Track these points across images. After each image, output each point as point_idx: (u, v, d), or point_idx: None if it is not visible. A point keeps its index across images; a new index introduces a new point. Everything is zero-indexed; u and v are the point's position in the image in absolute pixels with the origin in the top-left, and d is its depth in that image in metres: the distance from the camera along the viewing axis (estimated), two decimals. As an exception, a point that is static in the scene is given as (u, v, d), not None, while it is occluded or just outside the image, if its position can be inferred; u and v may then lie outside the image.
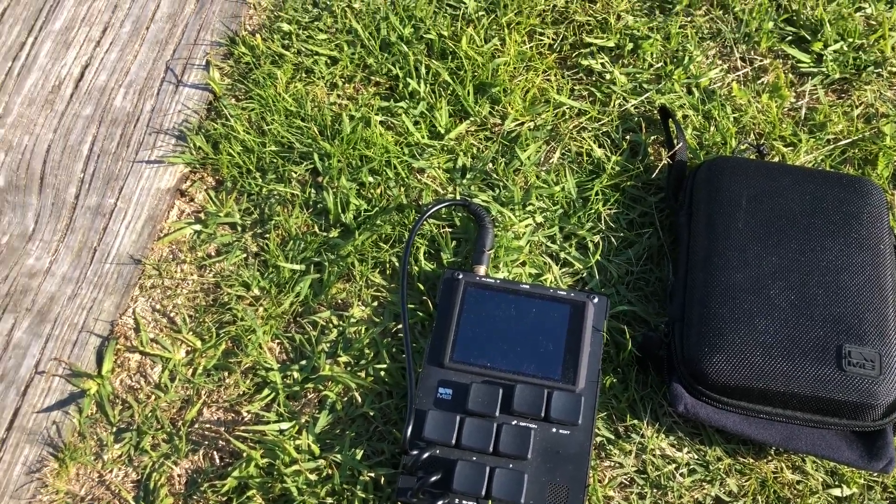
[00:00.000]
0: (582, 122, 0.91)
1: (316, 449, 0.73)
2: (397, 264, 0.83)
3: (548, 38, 0.96)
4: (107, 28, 0.99)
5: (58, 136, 0.92)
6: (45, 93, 0.95)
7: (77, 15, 1.00)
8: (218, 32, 0.98)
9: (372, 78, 0.94)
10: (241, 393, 0.78)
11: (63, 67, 0.97)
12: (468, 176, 0.87)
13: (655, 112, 0.91)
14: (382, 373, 0.77)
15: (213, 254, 0.86)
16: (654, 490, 0.72)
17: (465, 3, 0.98)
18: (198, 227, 0.87)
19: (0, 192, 0.89)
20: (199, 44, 0.97)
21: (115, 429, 0.77)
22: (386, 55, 0.95)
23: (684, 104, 0.91)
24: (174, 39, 0.98)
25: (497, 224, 0.84)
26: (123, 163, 0.90)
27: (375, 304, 0.81)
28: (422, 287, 0.81)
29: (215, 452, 0.75)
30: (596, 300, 0.77)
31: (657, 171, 0.87)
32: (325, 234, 0.85)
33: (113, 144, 0.92)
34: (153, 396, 0.78)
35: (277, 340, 0.81)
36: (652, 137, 0.90)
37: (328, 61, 0.96)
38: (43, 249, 0.86)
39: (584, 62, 0.94)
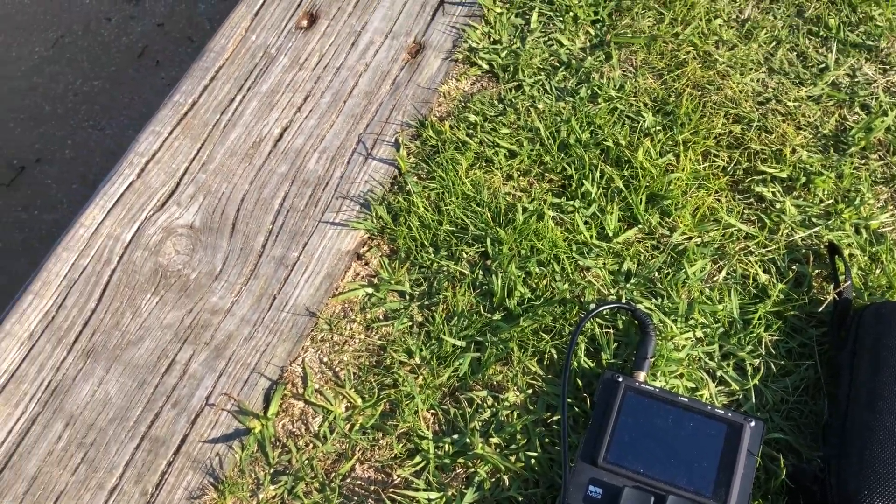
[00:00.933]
0: (749, 246, 0.93)
1: (463, 524, 0.75)
2: (556, 356, 0.86)
3: (722, 160, 0.99)
4: (308, 96, 1.08)
5: (253, 188, 1.00)
6: (246, 147, 1.04)
7: (283, 81, 1.10)
8: (409, 114, 1.06)
9: (547, 174, 0.99)
10: (394, 456, 0.81)
11: (265, 126, 1.06)
12: (632, 281, 0.90)
13: (823, 247, 0.92)
14: (532, 460, 0.79)
15: (381, 317, 0.91)
16: None
17: (643, 117, 1.03)
18: (370, 290, 0.92)
19: (196, 230, 0.97)
20: (390, 122, 1.05)
21: (272, 470, 0.81)
22: (563, 155, 1.00)
23: (852, 243, 0.92)
24: (368, 115, 1.06)
25: (658, 333, 0.86)
26: (310, 221, 0.97)
27: (530, 391, 0.84)
28: (579, 383, 0.83)
29: (365, 510, 0.78)
30: (753, 423, 0.78)
31: (822, 306, 0.88)
32: (488, 315, 0.89)
33: (302, 203, 0.99)
34: (311, 445, 0.82)
35: (433, 411, 0.84)
36: (817, 271, 0.91)
37: (507, 154, 1.01)
38: (227, 290, 0.93)
39: (756, 188, 0.97)
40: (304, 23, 1.15)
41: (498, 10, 1.14)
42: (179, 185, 1.01)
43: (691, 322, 0.87)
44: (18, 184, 2.48)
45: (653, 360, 0.83)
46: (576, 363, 0.84)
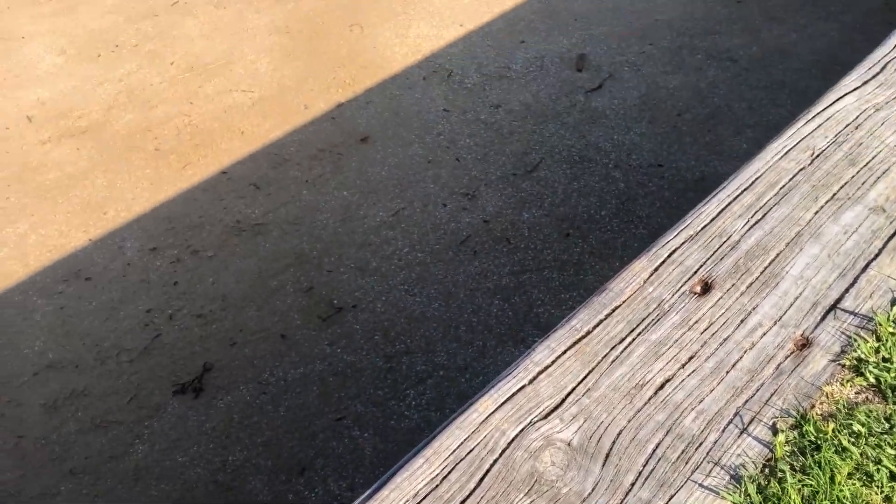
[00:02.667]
0: None
1: None
2: None
3: None
4: (693, 357, 1.17)
5: (630, 426, 1.09)
6: (629, 386, 1.14)
7: (672, 336, 1.20)
8: (789, 403, 1.11)
9: (929, 509, 0.98)
10: None
11: (649, 372, 1.15)
12: None
13: None
14: None
15: None
16: None
17: None
18: (731, 566, 0.94)
19: (573, 449, 1.07)
20: (769, 405, 1.10)
21: None
22: (949, 495, 0.99)
23: None
24: (749, 391, 1.12)
25: None
26: (679, 476, 1.03)
27: None
28: None
29: None
30: None
31: None
32: None
33: (674, 455, 1.05)
34: None
35: None
36: None
37: (889, 475, 1.02)
38: (593, 515, 1.00)
39: None
40: (698, 289, 1.27)
41: (891, 329, 1.19)
42: (564, 402, 1.12)
43: None
44: (332, 321, 2.80)
45: None
46: None
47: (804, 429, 1.07)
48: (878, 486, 1.00)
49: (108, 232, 3.12)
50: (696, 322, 1.22)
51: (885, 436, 1.06)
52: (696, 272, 1.30)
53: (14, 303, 2.87)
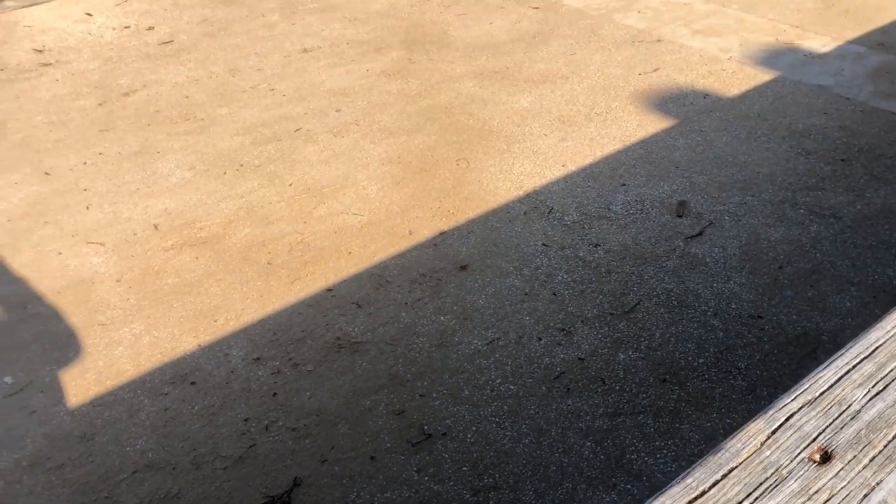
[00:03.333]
0: None
1: None
2: None
3: None
4: (813, 529, 1.15)
5: None
6: (746, 553, 1.12)
7: (790, 504, 1.18)
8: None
9: None
10: None
11: (767, 540, 1.13)
12: None
13: None
14: None
15: None
16: None
17: None
18: None
19: None
20: (898, 590, 1.06)
21: None
22: None
23: None
24: (874, 573, 1.08)
25: None
26: None
27: None
28: None
29: None
30: None
31: None
32: None
33: None
34: None
35: None
36: None
37: None
38: None
39: None
40: (817, 457, 1.25)
41: None
42: (679, 563, 1.11)
43: None
44: (421, 447, 2.82)
45: None
46: None
47: None
48: None
49: (217, 339, 3.27)
50: (817, 492, 1.20)
51: None
52: (814, 439, 1.28)
53: (123, 400, 3.01)
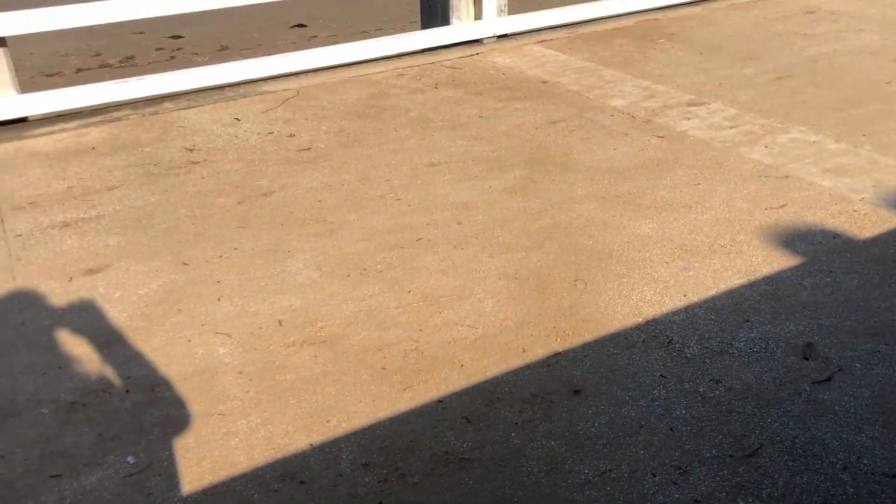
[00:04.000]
0: None
1: None
2: None
3: None
4: None
5: None
6: None
7: None
8: None
9: None
10: None
11: None
12: None
13: None
14: None
15: None
16: None
17: None
18: None
19: None
20: None
21: None
22: None
23: None
24: None
25: None
26: None
27: None
28: None
29: None
30: None
31: None
32: None
33: None
34: None
35: None
36: None
37: None
38: None
39: None
40: None
41: None
42: None
43: None
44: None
45: None
46: None
47: None
48: None
49: (328, 440, 3.32)
50: None
51: None
52: None
53: (234, 492, 3.07)
